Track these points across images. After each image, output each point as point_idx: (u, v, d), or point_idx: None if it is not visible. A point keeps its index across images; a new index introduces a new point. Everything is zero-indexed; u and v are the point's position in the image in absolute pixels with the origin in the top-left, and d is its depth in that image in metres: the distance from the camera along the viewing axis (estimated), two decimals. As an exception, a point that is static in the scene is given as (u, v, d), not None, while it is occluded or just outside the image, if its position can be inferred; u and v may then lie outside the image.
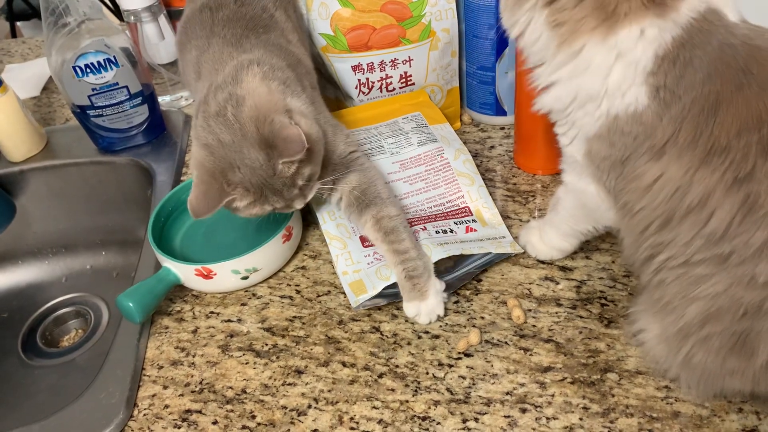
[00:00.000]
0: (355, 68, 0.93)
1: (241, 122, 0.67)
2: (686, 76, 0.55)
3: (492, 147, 0.98)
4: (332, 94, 1.00)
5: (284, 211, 0.74)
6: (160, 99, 1.12)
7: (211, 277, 0.76)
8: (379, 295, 0.74)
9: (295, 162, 0.68)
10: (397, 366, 0.69)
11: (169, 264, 0.77)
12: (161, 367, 0.72)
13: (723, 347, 0.58)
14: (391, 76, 0.94)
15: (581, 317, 0.72)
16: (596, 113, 0.59)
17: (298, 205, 0.73)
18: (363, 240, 0.79)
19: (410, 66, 0.94)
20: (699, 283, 0.57)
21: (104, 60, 0.95)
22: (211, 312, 0.78)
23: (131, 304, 0.73)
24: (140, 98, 1.01)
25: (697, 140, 0.55)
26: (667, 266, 0.60)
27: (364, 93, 0.95)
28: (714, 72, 0.54)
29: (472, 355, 0.69)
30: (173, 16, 1.11)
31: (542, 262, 0.79)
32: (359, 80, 0.94)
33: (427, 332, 0.72)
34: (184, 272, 0.76)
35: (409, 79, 0.95)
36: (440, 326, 0.73)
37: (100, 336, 1.03)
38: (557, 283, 0.76)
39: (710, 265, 0.56)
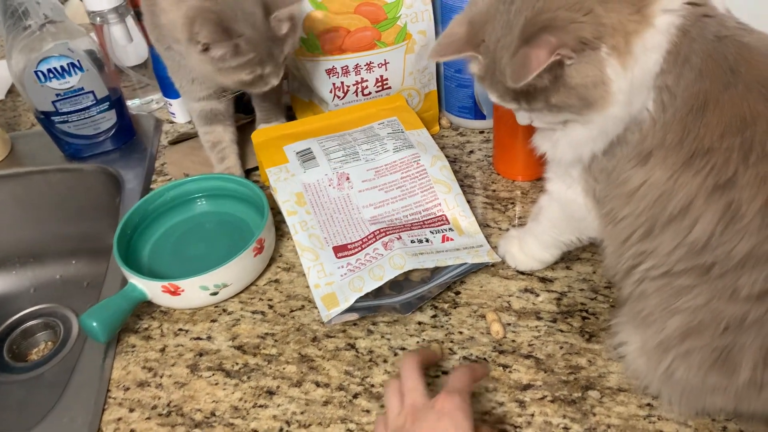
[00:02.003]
0: (330, 72, 0.90)
1: None
2: (684, 74, 0.53)
3: (471, 152, 0.95)
4: (306, 97, 0.97)
5: (260, 86, 0.78)
6: (129, 103, 1.08)
7: (179, 294, 0.73)
8: (352, 309, 0.72)
9: (287, 21, 0.74)
10: (372, 385, 0.67)
11: (135, 280, 0.74)
12: (127, 389, 0.70)
13: (704, 363, 0.56)
14: (367, 80, 0.91)
15: (562, 331, 0.70)
16: (612, 134, 0.57)
17: (275, 80, 0.78)
18: (336, 250, 0.76)
19: (386, 69, 0.91)
20: (680, 294, 0.56)
21: (68, 64, 0.91)
22: (180, 329, 0.75)
23: (95, 324, 0.70)
24: (107, 103, 0.97)
25: (683, 141, 0.53)
26: (648, 276, 0.59)
27: (339, 97, 0.92)
28: (705, 69, 0.53)
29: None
30: (141, 17, 1.07)
31: (522, 272, 0.77)
32: (334, 84, 0.91)
33: (403, 348, 0.70)
34: (151, 288, 0.73)
35: (385, 83, 0.92)
36: (417, 342, 0.70)
37: (70, 349, 0.99)
38: (537, 295, 0.74)
39: (692, 276, 0.55)
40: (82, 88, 0.94)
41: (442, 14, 0.90)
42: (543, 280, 0.76)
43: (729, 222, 0.52)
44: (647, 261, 0.58)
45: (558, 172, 0.66)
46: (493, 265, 0.77)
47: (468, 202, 0.82)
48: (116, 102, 0.99)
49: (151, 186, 0.96)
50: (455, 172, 0.86)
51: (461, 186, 0.84)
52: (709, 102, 0.52)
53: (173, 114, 1.07)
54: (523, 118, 0.62)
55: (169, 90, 1.03)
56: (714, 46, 0.53)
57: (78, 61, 0.91)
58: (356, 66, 0.90)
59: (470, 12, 0.59)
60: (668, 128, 0.54)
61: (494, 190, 0.88)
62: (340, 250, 0.76)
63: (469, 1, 0.60)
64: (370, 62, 0.90)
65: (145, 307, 0.77)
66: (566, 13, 0.52)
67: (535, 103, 0.57)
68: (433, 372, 0.67)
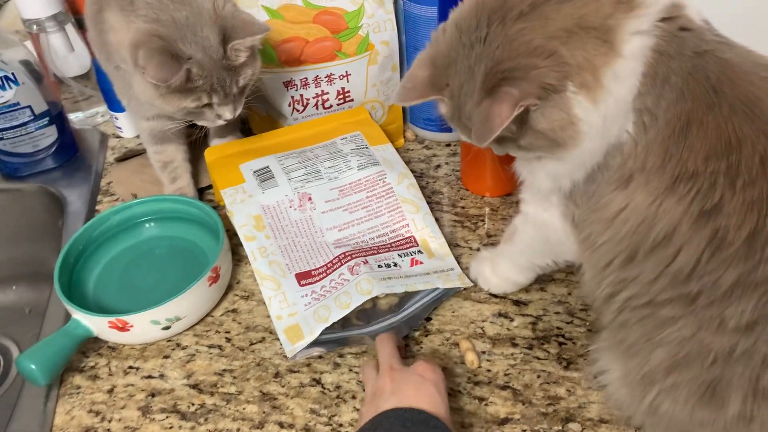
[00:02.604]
0: (288, 84, 0.85)
1: (198, 1, 0.68)
2: (664, 95, 0.51)
3: (438, 166, 0.91)
4: (263, 110, 0.91)
5: (210, 119, 0.73)
6: (71, 116, 1.01)
7: (128, 330, 0.67)
8: (317, 342, 0.67)
9: (245, 51, 0.69)
10: (341, 425, 0.62)
11: (79, 316, 0.68)
12: (72, 436, 0.63)
13: (691, 396, 0.54)
14: (328, 93, 0.87)
15: (539, 359, 0.67)
16: (591, 163, 0.55)
17: (228, 113, 0.72)
18: (299, 278, 0.71)
19: (348, 81, 0.86)
20: (665, 326, 0.54)
21: (1, 78, 0.84)
22: (130, 367, 0.69)
23: (34, 366, 0.64)
24: (47, 118, 0.91)
25: (666, 165, 0.51)
26: (629, 305, 0.56)
27: (298, 111, 0.87)
28: (686, 89, 0.50)
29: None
30: (83, 25, 1.00)
31: (495, 295, 0.73)
32: (292, 97, 0.86)
33: (373, 383, 0.66)
34: (97, 325, 0.68)
35: (347, 95, 0.88)
36: (387, 375, 0.66)
37: (11, 383, 0.92)
38: (512, 320, 0.71)
39: (676, 306, 0.52)
40: (18, 103, 0.87)
41: (405, 24, 0.86)
42: (517, 303, 0.72)
43: (715, 250, 0.49)
44: (628, 288, 0.56)
45: (534, 195, 0.63)
46: (465, 289, 0.74)
47: (436, 219, 0.79)
48: (56, 117, 0.92)
49: (97, 207, 0.90)
50: (422, 188, 0.82)
51: (429, 203, 0.80)
52: (692, 123, 0.50)
53: (120, 128, 1.00)
54: (497, 149, 0.60)
55: (114, 103, 0.96)
56: (694, 64, 0.51)
57: (12, 73, 0.85)
58: (316, 78, 0.85)
59: (432, 52, 0.56)
60: (650, 150, 0.52)
61: (463, 207, 0.85)
62: (303, 278, 0.71)
63: (431, 37, 0.58)
64: (331, 74, 0.85)
65: (91, 343, 0.71)
66: (527, 59, 0.50)
67: (505, 145, 0.56)
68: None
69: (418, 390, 0.54)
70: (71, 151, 0.96)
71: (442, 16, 0.82)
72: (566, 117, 0.51)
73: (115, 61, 0.75)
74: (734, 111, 0.49)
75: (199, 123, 0.75)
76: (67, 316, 0.70)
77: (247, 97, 0.75)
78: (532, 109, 0.51)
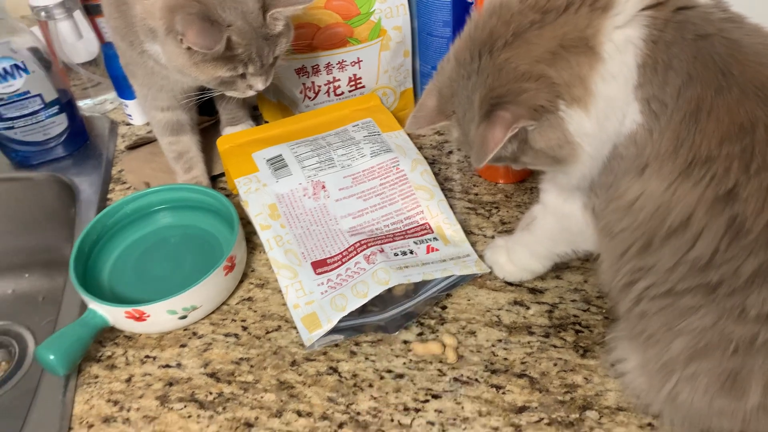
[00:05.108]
0: (299, 71, 0.84)
1: None
2: (669, 81, 0.50)
3: (450, 152, 0.91)
4: (274, 97, 0.91)
5: (241, 89, 0.72)
6: (80, 104, 1.00)
7: (144, 319, 0.67)
8: (335, 330, 0.67)
9: (283, 20, 0.68)
10: (358, 413, 0.63)
11: (95, 306, 0.68)
12: (91, 426, 0.64)
13: (711, 386, 0.54)
14: (339, 79, 0.86)
15: (555, 347, 0.67)
16: (600, 160, 0.55)
17: (260, 84, 0.71)
18: (315, 266, 0.71)
19: (359, 68, 0.85)
20: (685, 315, 0.53)
21: (11, 66, 0.83)
22: (147, 356, 0.69)
23: (52, 357, 0.64)
24: (57, 106, 0.90)
25: (678, 150, 0.50)
26: (648, 295, 0.56)
27: (309, 98, 0.87)
28: (693, 73, 0.50)
29: (441, 397, 0.63)
30: (91, 11, 1.00)
31: (510, 283, 0.73)
32: (304, 84, 0.85)
33: (390, 371, 0.66)
34: (113, 315, 0.68)
35: (358, 82, 0.87)
36: (404, 363, 0.66)
37: (27, 370, 0.93)
38: (528, 308, 0.71)
39: (697, 295, 0.52)
40: (29, 92, 0.86)
41: (417, 8, 0.85)
42: (533, 291, 0.72)
43: (734, 237, 0.49)
44: (646, 278, 0.55)
45: (553, 182, 0.63)
46: (480, 277, 0.74)
47: (450, 207, 0.78)
48: (66, 105, 0.92)
49: (109, 195, 0.90)
50: (435, 174, 0.81)
51: (441, 189, 0.80)
52: (702, 108, 0.49)
53: (130, 116, 1.00)
54: (512, 165, 0.62)
55: (124, 90, 0.96)
56: (698, 47, 0.50)
57: (22, 62, 0.84)
58: (328, 65, 0.84)
59: (438, 82, 0.60)
60: (663, 136, 0.51)
61: (476, 194, 0.84)
62: (319, 266, 0.71)
63: (437, 67, 0.61)
64: (343, 60, 0.84)
65: (107, 332, 0.71)
66: (516, 84, 0.52)
67: (513, 163, 0.60)
68: (422, 397, 0.64)
69: None
70: (82, 138, 0.96)
71: (456, 1, 0.81)
72: (561, 136, 0.53)
73: (140, 40, 0.71)
74: (745, 94, 0.49)
75: (228, 93, 0.73)
76: (83, 305, 0.71)
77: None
78: (529, 129, 0.53)
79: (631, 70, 0.51)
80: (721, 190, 0.49)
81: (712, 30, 0.50)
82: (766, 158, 0.48)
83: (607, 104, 0.52)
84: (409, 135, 0.84)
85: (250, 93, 0.72)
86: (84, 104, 1.02)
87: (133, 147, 0.95)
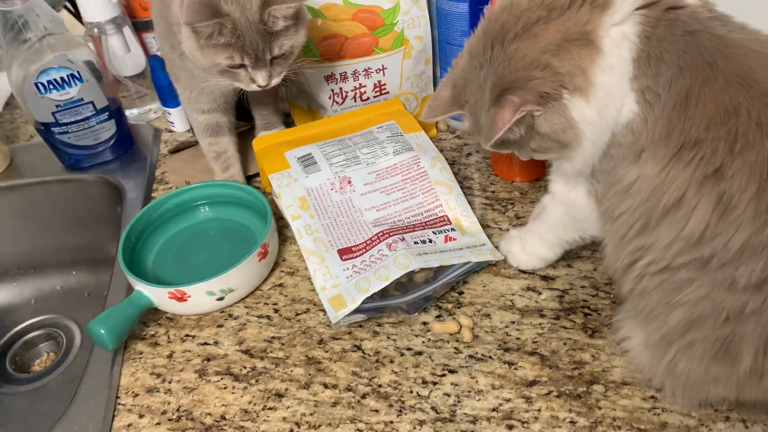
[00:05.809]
0: (328, 78, 0.91)
1: None
2: (661, 72, 0.55)
3: (469, 154, 0.96)
4: (305, 104, 0.98)
5: (245, 82, 0.76)
6: (127, 113, 1.09)
7: (186, 300, 0.74)
8: (358, 310, 0.73)
9: (283, 19, 0.72)
10: (380, 385, 0.68)
11: (141, 287, 0.74)
12: (136, 395, 0.70)
13: (706, 354, 0.57)
14: (365, 86, 0.93)
15: (565, 328, 0.71)
16: (601, 147, 0.60)
17: (261, 80, 0.75)
18: (341, 253, 0.77)
19: (384, 75, 0.92)
20: (681, 288, 0.57)
21: (68, 76, 0.92)
22: (187, 335, 0.76)
23: (103, 331, 0.70)
24: (107, 113, 0.98)
25: (671, 135, 0.55)
26: (648, 272, 0.60)
27: (337, 103, 0.94)
28: (683, 66, 0.55)
29: (456, 371, 0.68)
30: (138, 27, 1.08)
31: (523, 271, 0.78)
32: (332, 90, 0.92)
33: (409, 349, 0.71)
34: (157, 295, 0.74)
35: (383, 88, 0.93)
36: (423, 342, 0.71)
37: (72, 359, 0.99)
38: (540, 293, 0.75)
39: (691, 269, 0.56)
40: (82, 99, 0.94)
41: (438, 19, 0.91)
42: (545, 278, 0.77)
43: (723, 213, 0.53)
44: (646, 256, 0.59)
45: (560, 172, 0.68)
46: (495, 265, 0.78)
47: (468, 203, 0.84)
48: (115, 112, 1.00)
49: (152, 195, 0.97)
50: (454, 174, 0.87)
51: (461, 187, 0.85)
52: (691, 96, 0.54)
53: (172, 123, 1.08)
54: (520, 154, 0.68)
55: (167, 99, 1.04)
56: (687, 42, 0.55)
57: (77, 72, 0.92)
58: (354, 72, 0.91)
59: (452, 75, 0.66)
60: (657, 124, 0.56)
61: (493, 191, 0.90)
62: (344, 253, 0.77)
63: (452, 63, 0.67)
64: (368, 68, 0.91)
65: (151, 314, 0.78)
66: (524, 72, 0.58)
67: (520, 150, 0.65)
68: (439, 372, 0.68)
69: None
70: (128, 143, 1.04)
71: (473, 12, 0.88)
72: (565, 121, 0.59)
73: (178, 41, 0.77)
74: (729, 82, 0.53)
75: (236, 84, 0.78)
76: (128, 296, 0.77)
77: (287, 75, 0.78)
78: (536, 115, 0.59)
79: (627, 63, 0.56)
80: (709, 169, 0.53)
81: (700, 27, 0.55)
82: (749, 138, 0.52)
83: (606, 94, 0.57)
84: (429, 138, 0.90)
85: (254, 87, 0.77)
86: (130, 113, 1.11)
87: (175, 151, 1.03)
